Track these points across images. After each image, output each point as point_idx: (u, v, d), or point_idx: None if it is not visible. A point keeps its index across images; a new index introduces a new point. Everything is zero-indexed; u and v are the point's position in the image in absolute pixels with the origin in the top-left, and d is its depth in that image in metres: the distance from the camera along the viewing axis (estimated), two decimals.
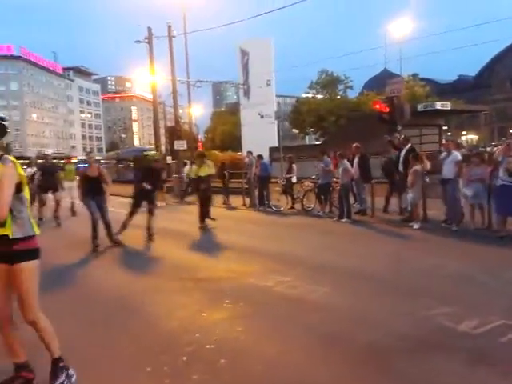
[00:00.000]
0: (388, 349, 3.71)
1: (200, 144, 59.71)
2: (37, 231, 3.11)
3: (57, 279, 6.24)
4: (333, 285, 5.57)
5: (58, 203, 12.26)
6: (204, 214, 10.94)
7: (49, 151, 43.67)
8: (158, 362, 3.61)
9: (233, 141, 56.76)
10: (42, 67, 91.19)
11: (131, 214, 9.30)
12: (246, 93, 37.49)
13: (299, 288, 5.50)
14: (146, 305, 5.12)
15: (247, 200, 15.45)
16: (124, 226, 9.20)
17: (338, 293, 5.28)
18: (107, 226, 8.79)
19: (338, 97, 57.76)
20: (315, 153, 26.81)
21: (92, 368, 3.53)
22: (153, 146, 58.52)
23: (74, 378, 3.26)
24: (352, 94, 59.53)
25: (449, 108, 29.43)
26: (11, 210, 2.93)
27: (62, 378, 3.20)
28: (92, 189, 8.57)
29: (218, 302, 5.10)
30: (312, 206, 13.04)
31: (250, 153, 17.23)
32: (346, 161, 11.35)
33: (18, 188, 2.99)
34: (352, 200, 11.88)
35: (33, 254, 3.06)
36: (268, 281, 5.82)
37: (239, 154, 37.55)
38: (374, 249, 7.93)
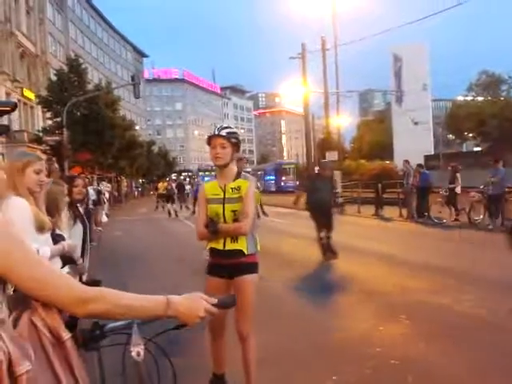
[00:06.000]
0: None
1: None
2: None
3: None
4: None
5: None
6: None
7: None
8: (343, 371, 3.62)
9: (381, 149, 55.01)
10: (203, 88, 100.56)
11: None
12: (398, 99, 36.03)
13: (480, 307, 5.13)
14: (321, 317, 5.30)
15: (403, 211, 15.09)
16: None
17: None
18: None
19: (502, 98, 52.15)
20: (479, 160, 24.63)
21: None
22: (293, 160, 59.78)
23: None
24: None
25: None
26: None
27: None
28: None
29: (394, 316, 5.04)
30: (480, 218, 12.02)
31: (406, 162, 16.58)
32: None
33: None
34: None
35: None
36: (443, 298, 5.56)
37: (387, 162, 36.18)
38: None
